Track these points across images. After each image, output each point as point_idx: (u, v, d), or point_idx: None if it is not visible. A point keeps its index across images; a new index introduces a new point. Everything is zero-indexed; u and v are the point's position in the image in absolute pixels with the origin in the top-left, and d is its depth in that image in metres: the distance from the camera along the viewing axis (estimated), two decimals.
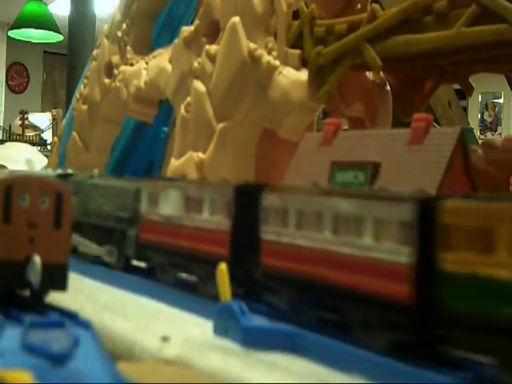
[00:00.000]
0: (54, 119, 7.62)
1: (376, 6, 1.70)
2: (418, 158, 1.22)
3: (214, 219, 1.28)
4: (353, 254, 0.99)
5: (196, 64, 2.15)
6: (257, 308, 1.16)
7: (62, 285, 1.10)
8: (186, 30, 2.26)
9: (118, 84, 2.64)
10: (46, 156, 5.28)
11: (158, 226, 1.45)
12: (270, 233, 1.16)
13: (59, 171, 2.10)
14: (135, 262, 1.66)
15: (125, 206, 1.62)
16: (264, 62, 1.90)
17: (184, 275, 1.44)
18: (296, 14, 1.89)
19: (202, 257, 1.31)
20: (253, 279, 1.19)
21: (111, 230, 1.66)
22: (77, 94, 3.07)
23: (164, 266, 1.45)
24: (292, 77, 1.84)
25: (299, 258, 1.09)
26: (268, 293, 1.17)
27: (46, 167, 3.59)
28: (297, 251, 1.09)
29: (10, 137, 8.51)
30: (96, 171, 1.93)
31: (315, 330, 1.05)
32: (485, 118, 10.25)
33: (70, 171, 2.05)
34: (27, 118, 8.07)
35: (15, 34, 8.59)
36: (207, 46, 2.12)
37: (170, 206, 1.41)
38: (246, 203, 1.23)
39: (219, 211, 1.27)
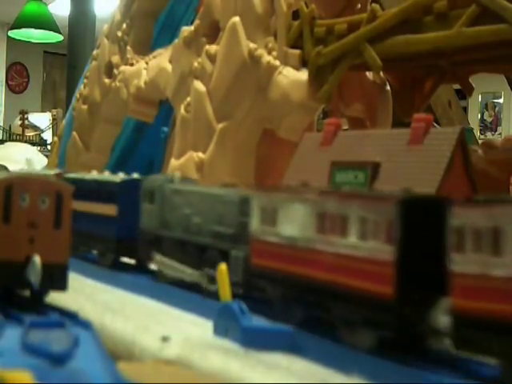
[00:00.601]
0: (54, 119, 7.62)
1: (376, 6, 1.70)
2: (418, 157, 1.22)
3: (367, 245, 0.97)
4: None
5: (196, 64, 2.15)
6: (445, 370, 0.90)
7: (62, 285, 1.10)
8: (186, 30, 2.26)
9: (118, 84, 2.64)
10: (46, 156, 5.28)
11: (278, 249, 1.15)
12: (466, 263, 0.86)
13: (121, 174, 1.78)
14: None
15: (225, 218, 1.34)
16: (264, 62, 1.90)
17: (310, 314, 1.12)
18: (296, 14, 1.89)
19: (348, 294, 1.00)
20: (435, 329, 0.91)
21: (204, 248, 1.38)
22: (77, 94, 3.07)
23: (288, 302, 1.13)
24: (292, 77, 1.84)
25: None
26: (467, 348, 0.89)
27: (46, 167, 3.60)
28: None
29: (10, 137, 8.51)
30: (177, 174, 1.62)
31: None
32: (485, 118, 10.24)
33: (135, 175, 1.71)
34: (27, 118, 8.08)
35: (15, 34, 8.58)
36: (207, 46, 2.12)
37: (294, 224, 1.11)
38: (419, 222, 0.93)
39: (374, 234, 0.96)
